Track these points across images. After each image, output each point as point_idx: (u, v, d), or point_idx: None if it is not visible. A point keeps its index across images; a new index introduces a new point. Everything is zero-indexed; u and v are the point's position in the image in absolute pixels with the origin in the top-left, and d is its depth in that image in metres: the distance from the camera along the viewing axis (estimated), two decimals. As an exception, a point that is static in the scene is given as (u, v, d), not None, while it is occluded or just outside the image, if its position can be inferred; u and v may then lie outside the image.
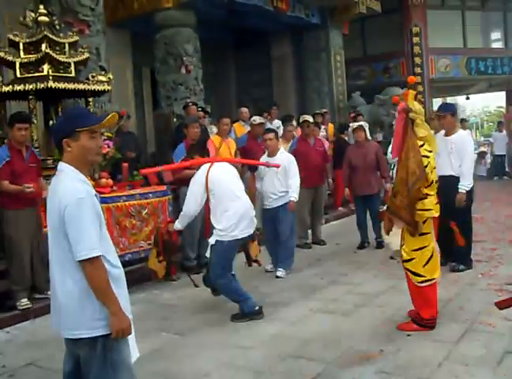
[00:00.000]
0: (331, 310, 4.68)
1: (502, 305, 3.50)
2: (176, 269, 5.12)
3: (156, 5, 9.24)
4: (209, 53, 11.18)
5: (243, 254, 4.97)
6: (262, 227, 6.27)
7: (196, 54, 9.46)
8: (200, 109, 8.21)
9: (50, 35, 5.79)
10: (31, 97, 5.73)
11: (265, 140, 6.05)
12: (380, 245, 6.98)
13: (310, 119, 7.55)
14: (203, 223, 5.52)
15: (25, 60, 5.74)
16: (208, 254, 4.63)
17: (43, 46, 5.69)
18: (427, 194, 4.00)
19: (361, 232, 7.22)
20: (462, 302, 4.58)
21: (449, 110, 5.53)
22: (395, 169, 4.51)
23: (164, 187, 6.13)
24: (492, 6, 17.61)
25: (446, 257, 5.45)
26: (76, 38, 6.14)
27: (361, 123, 7.47)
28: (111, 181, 5.80)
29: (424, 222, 3.99)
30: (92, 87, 5.97)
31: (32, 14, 5.85)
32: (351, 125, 8.69)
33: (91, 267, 2.24)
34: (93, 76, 6.10)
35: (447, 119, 5.44)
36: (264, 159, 6.11)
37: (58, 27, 6.07)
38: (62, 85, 5.61)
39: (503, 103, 23.49)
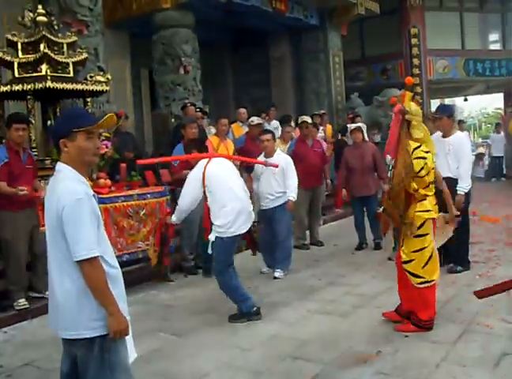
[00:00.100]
0: (329, 311, 4.69)
1: (481, 294, 3.50)
2: (169, 260, 5.09)
3: (154, 6, 9.24)
4: (208, 53, 11.18)
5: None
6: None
7: (194, 54, 9.46)
8: (198, 109, 8.21)
9: (49, 36, 5.78)
10: (29, 97, 5.71)
11: (262, 141, 6.05)
12: (378, 246, 6.99)
13: (309, 120, 7.56)
14: (201, 223, 5.52)
15: (23, 60, 5.73)
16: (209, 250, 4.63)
17: (42, 46, 5.68)
18: (426, 195, 4.01)
19: (359, 233, 7.23)
20: (460, 304, 4.59)
21: (445, 111, 5.53)
22: (392, 170, 4.52)
23: (162, 188, 6.13)
24: (490, 8, 17.65)
25: (443, 259, 5.45)
26: (74, 38, 6.14)
27: (359, 124, 7.48)
28: (109, 182, 5.79)
29: (424, 223, 4.00)
30: (91, 87, 5.97)
31: (31, 14, 5.84)
32: (348, 126, 8.71)
33: (89, 267, 2.24)
34: (91, 77, 6.09)
35: (444, 121, 5.44)
36: (261, 159, 6.10)
37: (56, 27, 6.05)
38: (60, 85, 5.60)
39: (501, 105, 23.51)
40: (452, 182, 5.35)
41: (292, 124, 8.48)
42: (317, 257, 6.86)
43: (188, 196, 4.57)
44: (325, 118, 10.79)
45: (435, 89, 17.79)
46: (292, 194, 5.94)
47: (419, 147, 4.00)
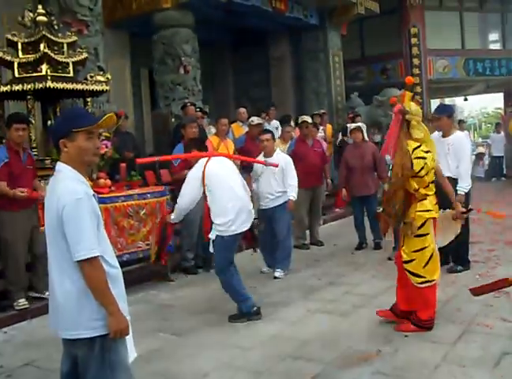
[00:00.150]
0: (329, 311, 4.69)
1: (476, 291, 3.51)
2: (166, 256, 5.09)
3: (154, 6, 9.23)
4: (208, 53, 11.17)
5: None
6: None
7: (194, 54, 9.45)
8: (198, 109, 8.21)
9: (49, 35, 5.78)
10: (29, 97, 5.72)
11: (262, 141, 6.05)
12: (378, 246, 6.99)
13: (309, 120, 7.56)
14: (201, 223, 5.52)
15: (24, 60, 5.73)
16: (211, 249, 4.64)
17: (42, 46, 5.69)
18: (426, 195, 4.01)
19: (359, 233, 7.23)
20: (460, 303, 4.59)
21: (445, 111, 5.53)
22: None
23: (162, 187, 6.13)
24: (490, 7, 17.64)
25: (443, 258, 5.45)
26: (74, 38, 6.14)
27: (359, 124, 7.49)
28: (109, 182, 5.80)
29: (424, 223, 4.00)
30: (91, 87, 5.97)
31: (31, 14, 5.84)
32: (348, 126, 8.71)
33: (89, 267, 2.24)
34: (91, 77, 6.09)
35: (443, 121, 5.43)
36: (260, 159, 6.10)
37: (56, 27, 6.05)
38: (60, 85, 5.60)
39: (501, 105, 23.50)
40: (452, 182, 5.34)
41: (292, 124, 8.47)
42: (317, 256, 6.86)
43: (187, 195, 4.56)
44: (325, 118, 10.79)
45: (435, 89, 17.78)
46: (293, 193, 5.95)
47: (419, 147, 4.00)
